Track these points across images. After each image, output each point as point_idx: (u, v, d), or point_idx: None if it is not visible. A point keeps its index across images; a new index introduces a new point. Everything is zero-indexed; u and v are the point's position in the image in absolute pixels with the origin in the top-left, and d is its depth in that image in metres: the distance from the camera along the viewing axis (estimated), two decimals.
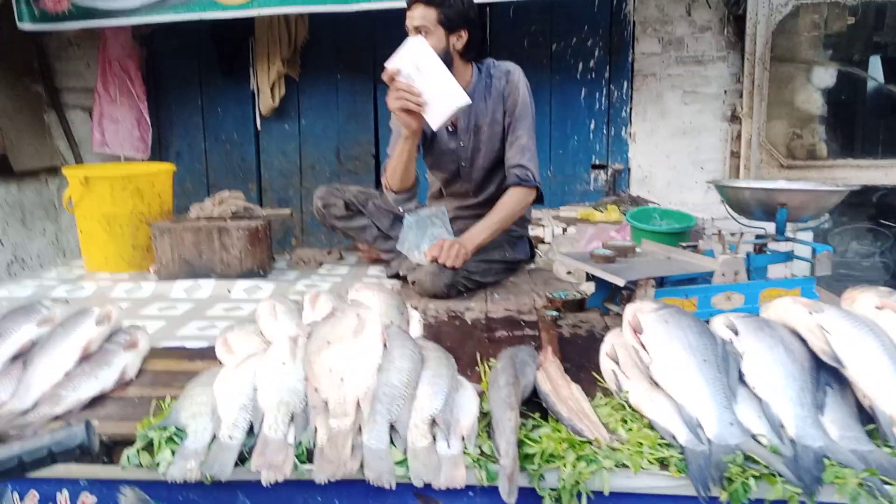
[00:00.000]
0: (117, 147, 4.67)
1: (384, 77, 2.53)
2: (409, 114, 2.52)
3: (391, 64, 2.50)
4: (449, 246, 2.61)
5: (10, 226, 4.35)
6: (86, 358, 1.77)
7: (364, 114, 4.77)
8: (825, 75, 4.50)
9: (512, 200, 2.75)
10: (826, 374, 1.51)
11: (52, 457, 1.04)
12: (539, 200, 2.85)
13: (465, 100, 2.47)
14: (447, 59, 2.58)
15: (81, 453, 1.05)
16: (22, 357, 1.76)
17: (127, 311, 2.47)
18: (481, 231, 2.72)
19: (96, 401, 1.67)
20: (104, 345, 1.84)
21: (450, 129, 2.85)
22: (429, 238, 2.72)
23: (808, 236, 3.16)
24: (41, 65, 4.69)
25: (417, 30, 2.61)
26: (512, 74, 2.79)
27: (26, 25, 4.00)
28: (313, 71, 4.70)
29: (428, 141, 2.92)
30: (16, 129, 4.41)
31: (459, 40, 2.67)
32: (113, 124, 4.65)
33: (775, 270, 2.54)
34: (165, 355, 2.01)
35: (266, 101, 4.66)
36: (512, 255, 2.96)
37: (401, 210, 2.89)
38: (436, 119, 2.51)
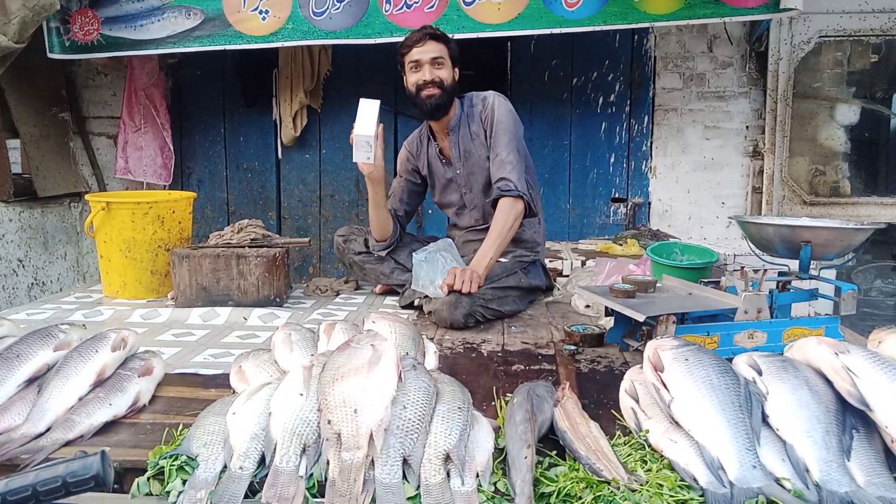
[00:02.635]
0: (140, 174, 4.74)
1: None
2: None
3: (358, 130, 2.71)
4: (461, 273, 2.64)
5: (33, 249, 4.41)
6: (100, 383, 1.76)
7: (384, 145, 4.79)
8: (848, 112, 4.48)
9: (501, 213, 2.78)
10: (852, 418, 1.46)
11: (66, 488, 1.02)
12: (529, 213, 2.87)
13: (362, 129, 2.68)
14: (456, 88, 2.86)
15: (96, 485, 1.03)
16: (37, 381, 1.76)
17: (143, 336, 2.47)
18: (485, 253, 2.74)
19: (109, 426, 1.66)
20: (119, 370, 1.84)
21: (443, 160, 3.02)
22: (441, 271, 2.73)
23: (831, 274, 3.11)
24: (69, 93, 4.79)
25: (435, 61, 2.79)
26: (487, 99, 2.91)
27: (56, 55, 4.10)
28: (335, 102, 4.75)
29: (430, 177, 3.11)
30: (42, 155, 4.50)
31: (456, 74, 2.89)
32: (137, 151, 4.73)
33: (798, 309, 2.50)
34: (179, 382, 2.01)
35: (288, 131, 4.71)
36: (527, 281, 2.95)
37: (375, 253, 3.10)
38: (356, 154, 2.73)
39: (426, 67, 2.79)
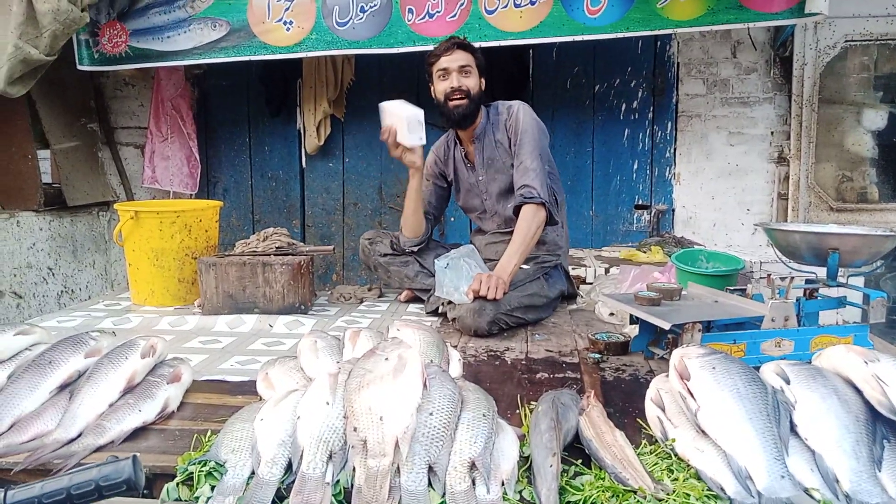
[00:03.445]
0: (167, 183, 4.81)
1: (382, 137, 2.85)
2: (403, 154, 2.83)
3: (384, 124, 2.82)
4: (487, 279, 2.64)
5: (62, 257, 4.48)
6: (130, 390, 1.79)
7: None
8: (875, 117, 4.41)
9: (524, 220, 2.78)
10: (883, 427, 1.44)
11: (98, 491, 1.04)
12: (551, 221, 2.87)
13: (411, 107, 2.77)
14: (482, 97, 2.91)
15: (128, 489, 1.05)
16: (69, 387, 1.80)
17: (170, 344, 2.50)
18: (509, 259, 2.74)
19: (138, 433, 1.69)
20: (148, 377, 1.87)
21: (468, 164, 3.08)
22: (466, 277, 2.73)
23: (859, 282, 3.06)
24: (97, 104, 4.88)
25: (462, 69, 2.85)
26: (513, 107, 2.95)
27: (85, 67, 4.17)
28: (358, 111, 4.78)
29: (455, 181, 3.17)
30: (71, 166, 4.58)
31: (483, 83, 2.94)
32: (163, 161, 4.80)
33: (826, 317, 2.47)
34: (207, 388, 2.03)
35: (312, 141, 4.75)
36: (551, 287, 2.95)
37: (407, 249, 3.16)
38: (405, 137, 2.78)
39: (454, 76, 2.84)
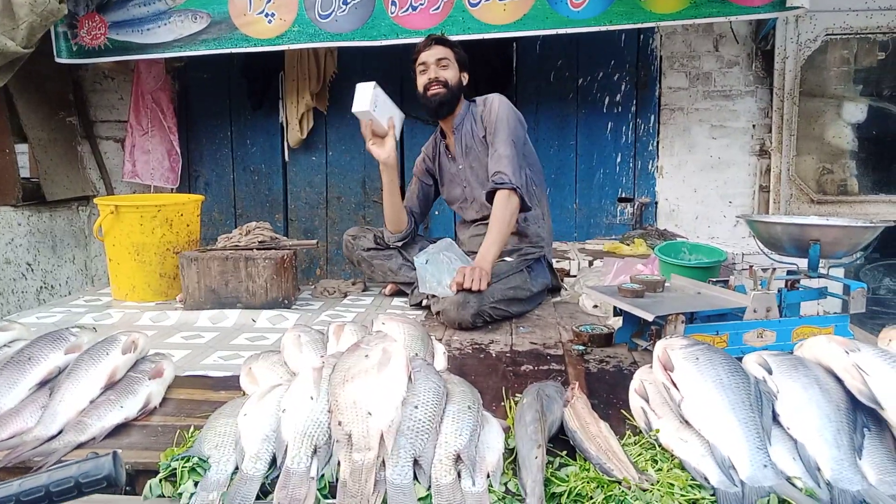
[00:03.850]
0: (148, 177, 4.76)
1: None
2: (374, 144, 2.97)
3: (354, 108, 2.88)
4: (470, 271, 2.66)
5: (41, 253, 4.43)
6: (111, 386, 1.77)
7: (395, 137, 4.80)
8: (855, 110, 4.46)
9: (498, 208, 2.81)
10: (863, 416, 1.46)
11: (78, 488, 1.02)
12: (524, 207, 2.88)
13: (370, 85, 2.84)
14: (461, 88, 3.01)
15: (108, 485, 1.04)
16: (48, 384, 1.77)
17: (152, 339, 2.48)
18: (488, 248, 2.77)
19: (120, 429, 1.68)
20: (129, 373, 1.85)
21: (449, 155, 3.16)
22: (448, 271, 2.73)
23: (839, 273, 3.10)
24: (76, 97, 4.81)
25: (440, 62, 2.96)
26: (489, 99, 3.01)
27: (64, 60, 4.12)
28: (341, 104, 4.75)
29: (440, 174, 3.24)
30: (50, 160, 4.52)
31: (464, 78, 3.04)
32: (144, 155, 4.74)
33: (808, 307, 2.49)
34: (190, 384, 2.02)
35: (294, 134, 4.72)
36: (534, 280, 2.96)
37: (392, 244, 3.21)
38: (359, 103, 2.85)
39: (432, 68, 2.96)
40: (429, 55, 2.97)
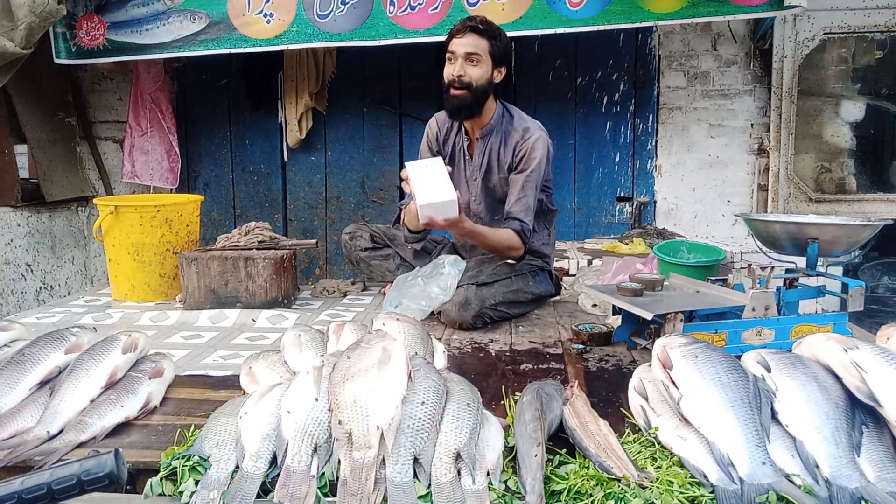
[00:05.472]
0: (147, 178, 4.75)
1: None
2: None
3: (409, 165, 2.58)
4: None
5: (41, 253, 4.43)
6: (111, 385, 1.78)
7: (389, 146, 4.81)
8: (854, 109, 4.47)
9: (505, 236, 2.74)
10: (862, 414, 1.46)
11: (80, 485, 1.03)
12: (520, 258, 2.86)
13: (450, 195, 2.45)
14: (489, 89, 2.72)
15: (110, 483, 1.04)
16: (49, 383, 1.78)
17: (152, 339, 2.48)
18: (474, 227, 2.69)
19: (121, 428, 1.68)
20: (129, 372, 1.86)
21: (466, 156, 2.94)
22: (451, 280, 2.71)
23: (837, 271, 3.10)
24: (75, 98, 4.81)
25: (469, 56, 2.67)
26: (529, 132, 2.79)
27: (62, 61, 4.12)
28: (340, 104, 4.76)
29: (448, 161, 2.97)
30: (49, 160, 4.52)
31: (499, 75, 2.76)
32: (143, 155, 4.74)
33: (806, 306, 2.49)
34: (190, 383, 2.02)
35: (293, 134, 4.72)
36: (535, 286, 2.94)
37: (409, 247, 3.04)
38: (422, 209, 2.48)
39: (459, 62, 2.68)
40: (459, 45, 2.66)
